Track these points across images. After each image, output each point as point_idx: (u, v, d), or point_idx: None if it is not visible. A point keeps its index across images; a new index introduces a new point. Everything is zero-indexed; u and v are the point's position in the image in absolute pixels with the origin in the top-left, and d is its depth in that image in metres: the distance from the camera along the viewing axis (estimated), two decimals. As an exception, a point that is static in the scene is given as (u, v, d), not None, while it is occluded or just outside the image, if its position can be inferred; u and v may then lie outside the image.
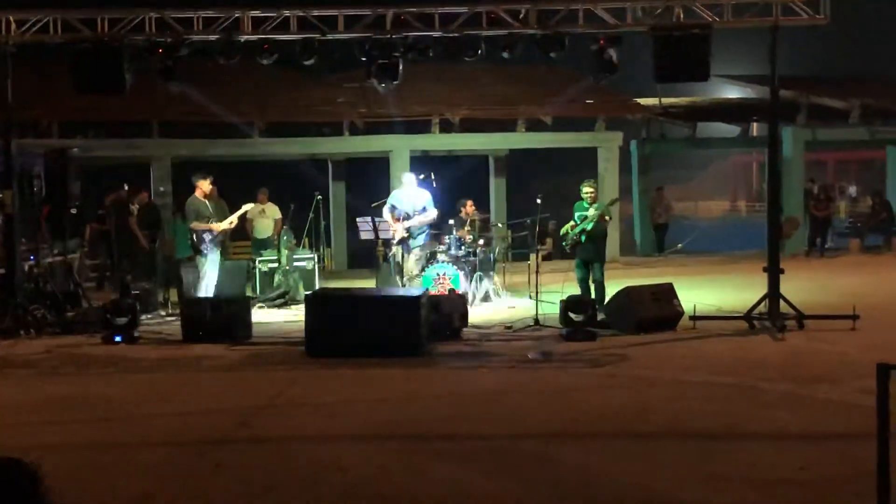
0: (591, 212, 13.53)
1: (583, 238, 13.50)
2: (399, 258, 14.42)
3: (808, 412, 8.31)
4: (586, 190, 13.78)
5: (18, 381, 10.21)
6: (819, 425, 7.87)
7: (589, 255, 13.61)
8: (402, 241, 14.35)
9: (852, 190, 31.26)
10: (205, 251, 14.05)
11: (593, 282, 13.66)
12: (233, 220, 14.52)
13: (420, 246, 14.52)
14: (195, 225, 14.15)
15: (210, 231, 14.01)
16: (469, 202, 16.59)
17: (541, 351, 11.24)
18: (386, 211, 14.64)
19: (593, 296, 13.42)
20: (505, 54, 13.11)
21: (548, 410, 8.62)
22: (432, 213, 14.45)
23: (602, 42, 12.97)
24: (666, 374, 9.95)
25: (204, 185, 14.28)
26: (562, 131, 23.47)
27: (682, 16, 12.71)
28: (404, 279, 14.27)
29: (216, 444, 7.64)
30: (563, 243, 13.95)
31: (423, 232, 14.55)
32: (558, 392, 9.33)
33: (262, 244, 17.98)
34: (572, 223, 13.68)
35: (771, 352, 11.08)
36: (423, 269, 14.50)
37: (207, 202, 14.30)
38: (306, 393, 9.56)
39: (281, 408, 8.91)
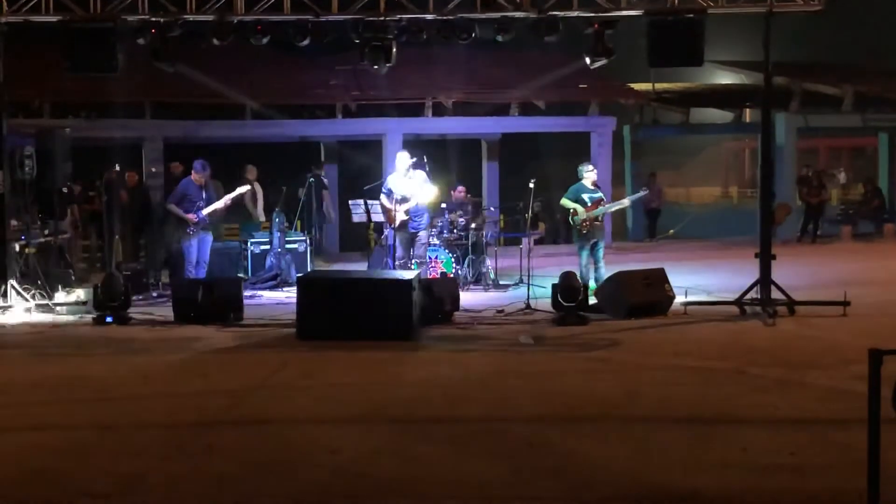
0: (601, 195, 13.74)
1: (598, 220, 13.71)
2: (392, 241, 14.35)
3: (799, 397, 8.33)
4: (590, 167, 13.98)
5: (8, 362, 10.18)
6: (810, 411, 7.88)
7: (597, 236, 13.77)
8: (402, 226, 14.25)
9: (842, 177, 31.17)
10: (188, 233, 14.07)
11: (595, 261, 13.76)
12: (228, 200, 14.56)
13: (424, 230, 14.50)
14: (170, 207, 14.20)
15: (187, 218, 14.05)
16: (460, 188, 16.54)
17: (532, 335, 11.25)
18: (383, 197, 14.56)
19: (593, 277, 13.54)
20: (499, 38, 13.07)
21: (538, 394, 8.63)
22: (430, 192, 14.37)
23: (597, 26, 12.96)
24: (657, 358, 9.98)
25: (198, 178, 14.26)
26: (555, 116, 23.44)
27: (676, 0, 12.68)
28: (413, 263, 14.18)
29: (207, 425, 7.64)
30: (572, 220, 13.92)
31: (423, 215, 14.48)
32: (549, 376, 9.34)
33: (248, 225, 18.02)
34: (573, 205, 13.75)
35: (762, 337, 11.09)
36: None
37: (202, 190, 14.27)
38: (297, 375, 9.55)
39: (272, 390, 8.90)
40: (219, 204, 14.45)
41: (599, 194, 13.88)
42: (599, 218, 13.84)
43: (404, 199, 14.24)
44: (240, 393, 8.73)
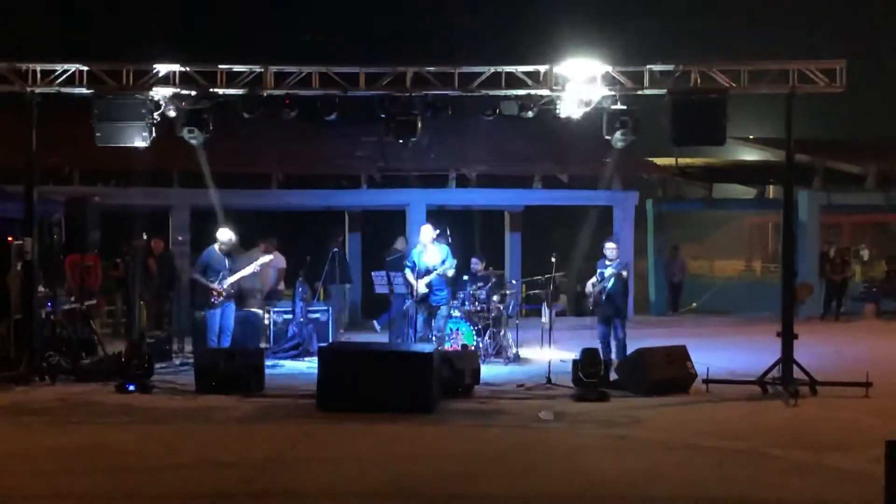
0: (609, 270, 13.70)
1: (603, 297, 13.69)
2: (413, 313, 14.43)
3: (819, 480, 8.29)
4: (609, 245, 14.03)
5: (32, 429, 10.26)
6: (830, 494, 7.85)
7: (609, 312, 13.75)
8: (423, 299, 14.33)
9: (865, 253, 30.96)
10: (212, 303, 14.14)
11: (615, 340, 13.74)
12: (249, 269, 14.66)
13: (445, 304, 14.57)
14: (195, 277, 14.30)
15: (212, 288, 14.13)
16: (474, 259, 16.67)
17: (552, 411, 11.25)
18: (408, 272, 14.68)
19: (613, 355, 13.50)
20: (523, 114, 13.24)
21: (558, 472, 8.62)
22: (451, 267, 14.48)
23: (620, 104, 13.13)
24: (677, 438, 9.94)
25: (222, 247, 14.36)
26: (578, 189, 23.57)
27: (699, 80, 12.83)
28: (434, 335, 14.24)
29: (227, 497, 7.68)
30: (589, 302, 14.09)
31: (444, 289, 14.57)
32: (569, 453, 9.32)
33: (268, 295, 18.09)
34: (594, 279, 13.87)
35: (783, 418, 11.05)
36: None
37: (225, 258, 14.37)
38: (317, 447, 9.59)
39: (292, 462, 8.93)
40: (243, 273, 14.56)
41: (608, 269, 13.83)
42: (602, 292, 13.78)
43: (427, 272, 14.36)
44: (260, 465, 8.76)
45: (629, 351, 13.30)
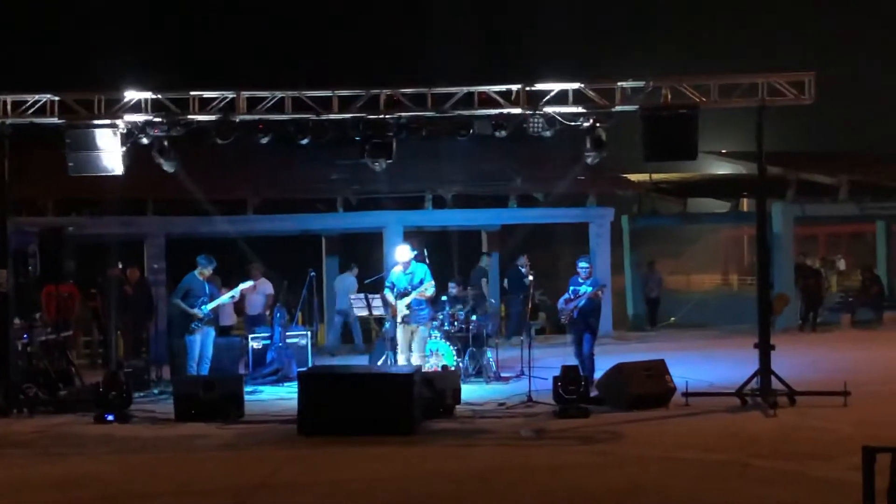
0: (584, 288, 13.74)
1: (575, 314, 13.73)
2: (395, 335, 14.37)
3: (800, 489, 8.33)
4: (582, 265, 14.04)
5: (10, 462, 10.16)
6: (810, 503, 7.87)
7: (580, 329, 13.81)
8: (403, 320, 14.25)
9: (841, 263, 31.18)
10: (192, 329, 14.08)
11: (578, 357, 13.79)
12: (234, 294, 14.61)
13: (424, 325, 14.48)
14: (175, 303, 14.23)
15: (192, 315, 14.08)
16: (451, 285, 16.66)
17: (533, 428, 11.25)
18: (387, 292, 14.55)
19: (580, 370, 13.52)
20: (497, 133, 13.29)
21: (541, 489, 8.62)
22: (430, 287, 14.44)
23: (592, 121, 13.21)
24: (658, 451, 9.96)
25: (202, 273, 14.32)
26: (553, 207, 23.64)
27: (669, 96, 12.93)
28: (413, 356, 14.16)
29: (209, 525, 7.63)
30: (560, 318, 14.13)
31: (424, 309, 14.49)
32: (551, 470, 9.32)
33: (254, 320, 18.02)
34: (567, 295, 13.89)
35: (763, 428, 11.08)
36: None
37: (205, 284, 14.32)
38: (299, 473, 9.55)
39: (274, 488, 8.89)
40: (223, 299, 14.51)
41: (581, 287, 13.87)
42: (574, 309, 13.83)
43: (405, 293, 14.30)
44: (241, 492, 8.72)
45: (607, 366, 13.24)
